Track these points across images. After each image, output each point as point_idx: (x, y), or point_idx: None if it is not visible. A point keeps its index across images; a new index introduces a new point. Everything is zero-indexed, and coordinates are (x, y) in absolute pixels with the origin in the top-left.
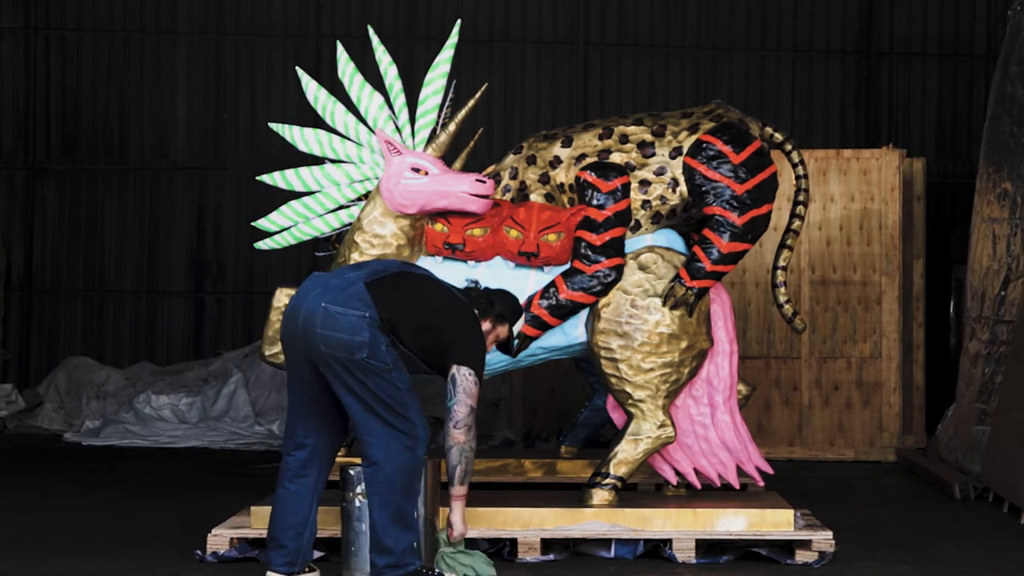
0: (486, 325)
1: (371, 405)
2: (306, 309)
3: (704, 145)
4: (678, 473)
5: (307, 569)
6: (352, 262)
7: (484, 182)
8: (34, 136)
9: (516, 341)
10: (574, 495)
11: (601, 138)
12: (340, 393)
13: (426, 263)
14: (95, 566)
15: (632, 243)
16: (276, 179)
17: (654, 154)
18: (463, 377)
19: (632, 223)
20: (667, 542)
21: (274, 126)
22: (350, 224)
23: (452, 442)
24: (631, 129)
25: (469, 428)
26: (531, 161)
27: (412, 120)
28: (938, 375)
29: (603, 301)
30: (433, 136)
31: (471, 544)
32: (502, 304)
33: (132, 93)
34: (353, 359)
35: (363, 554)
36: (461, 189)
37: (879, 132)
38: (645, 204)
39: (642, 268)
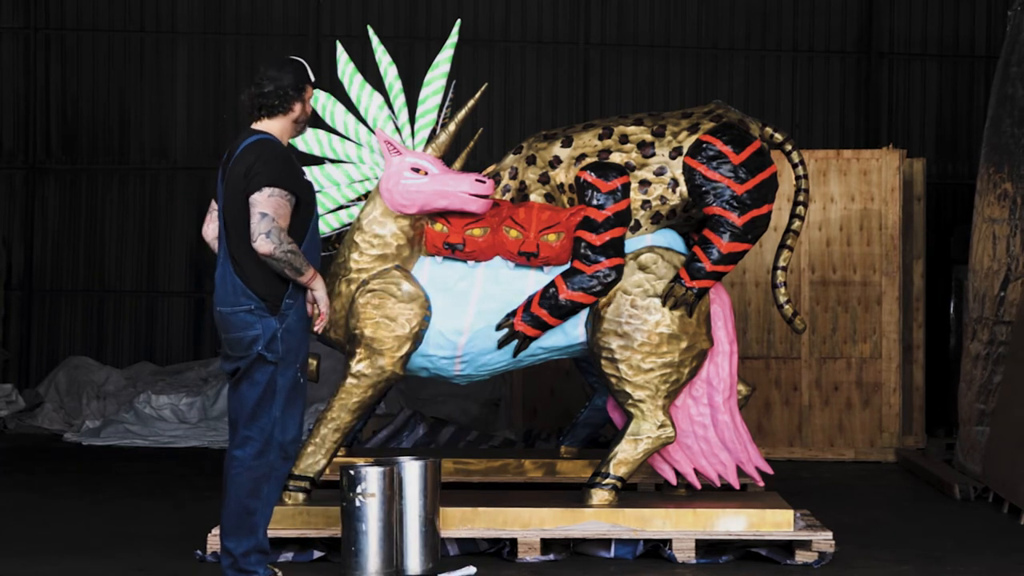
0: (294, 111)
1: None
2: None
3: (704, 145)
4: (678, 473)
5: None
6: (352, 262)
7: (484, 182)
8: (34, 136)
9: (516, 341)
10: (574, 495)
11: (601, 138)
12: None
13: (426, 263)
14: (95, 566)
15: (632, 243)
16: None
17: (654, 154)
18: (258, 200)
19: (632, 223)
20: (667, 542)
21: None
22: (350, 224)
23: (264, 256)
24: (631, 129)
25: (268, 235)
26: (531, 161)
27: (412, 120)
28: (938, 375)
29: (603, 301)
30: (433, 136)
31: (470, 543)
32: (283, 79)
33: (132, 93)
34: (250, 355)
35: (364, 554)
36: (461, 189)
37: (879, 132)
38: (645, 204)
39: (642, 268)
